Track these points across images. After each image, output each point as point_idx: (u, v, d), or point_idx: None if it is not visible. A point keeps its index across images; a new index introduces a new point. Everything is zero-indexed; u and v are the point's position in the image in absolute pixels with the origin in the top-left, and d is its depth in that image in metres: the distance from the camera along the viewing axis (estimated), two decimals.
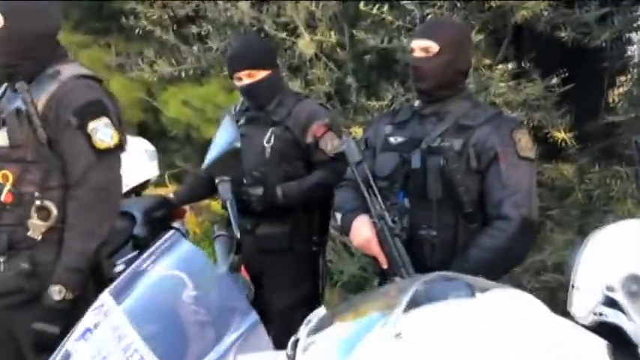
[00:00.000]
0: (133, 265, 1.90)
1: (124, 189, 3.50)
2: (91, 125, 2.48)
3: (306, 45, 4.25)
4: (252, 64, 3.09)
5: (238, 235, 1.98)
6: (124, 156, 2.66)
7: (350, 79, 4.33)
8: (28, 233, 2.46)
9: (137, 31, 4.93)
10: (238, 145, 2.02)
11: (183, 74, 4.84)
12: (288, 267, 3.08)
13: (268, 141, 3.03)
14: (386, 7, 3.93)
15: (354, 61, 4.38)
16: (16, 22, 2.51)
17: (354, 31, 4.12)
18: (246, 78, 3.08)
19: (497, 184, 2.34)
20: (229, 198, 2.06)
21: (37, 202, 2.48)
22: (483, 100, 3.77)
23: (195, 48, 4.70)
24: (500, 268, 2.34)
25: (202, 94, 4.99)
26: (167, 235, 1.93)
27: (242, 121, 3.15)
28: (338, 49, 4.32)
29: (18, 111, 2.46)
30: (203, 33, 4.68)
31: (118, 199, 2.62)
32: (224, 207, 2.39)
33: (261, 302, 2.77)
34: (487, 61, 3.93)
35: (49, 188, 2.51)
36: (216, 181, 2.05)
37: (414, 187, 2.41)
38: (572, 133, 3.76)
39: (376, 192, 2.39)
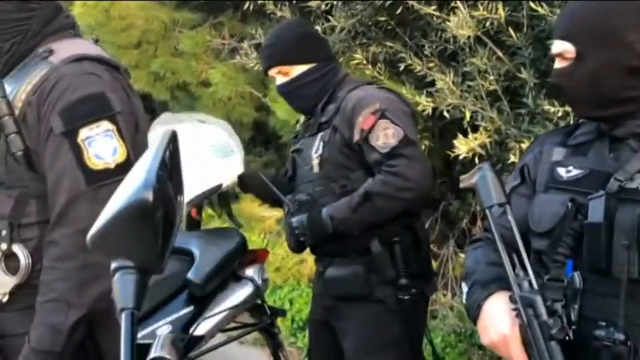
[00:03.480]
0: None
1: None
2: (84, 133, 1.95)
3: (461, 24, 3.33)
4: (283, 58, 2.71)
5: None
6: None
7: (525, 73, 3.36)
8: None
9: (247, 6, 4.28)
10: (149, 196, 1.05)
11: None
12: (367, 321, 2.60)
13: (316, 150, 2.63)
14: None
15: (533, 47, 3.40)
16: None
17: (532, 4, 3.16)
18: (280, 76, 2.73)
19: None
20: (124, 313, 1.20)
21: (4, 246, 1.94)
22: None
23: (317, 28, 3.83)
24: None
25: None
26: None
27: (303, 129, 2.83)
28: (510, 31, 3.35)
29: None
30: (325, 7, 3.88)
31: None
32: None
33: None
34: None
35: (22, 225, 1.97)
36: (113, 266, 1.15)
37: (590, 254, 1.69)
38: None
39: (525, 260, 1.72)
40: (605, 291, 1.68)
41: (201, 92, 5.16)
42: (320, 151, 2.61)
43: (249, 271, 2.93)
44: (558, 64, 1.82)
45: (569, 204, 1.75)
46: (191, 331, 2.73)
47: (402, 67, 3.71)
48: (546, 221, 1.79)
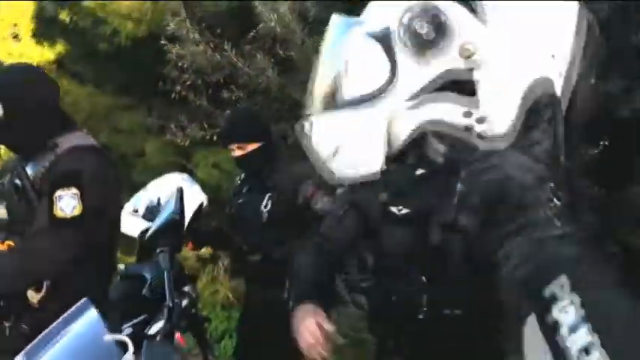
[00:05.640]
0: (47, 330, 2.02)
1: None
2: (58, 193, 2.54)
3: None
4: (241, 138, 3.38)
5: (171, 305, 2.12)
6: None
7: None
8: (28, 302, 2.63)
9: (173, 95, 5.28)
10: (177, 217, 2.17)
11: (215, 138, 5.11)
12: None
13: (265, 206, 3.29)
14: None
15: None
16: (14, 107, 2.57)
17: None
18: (237, 150, 3.37)
19: None
20: (167, 268, 2.22)
21: None
22: None
23: (227, 112, 4.88)
24: None
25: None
26: (78, 304, 2.06)
27: (245, 188, 3.47)
28: None
29: (16, 186, 2.62)
30: (234, 98, 4.96)
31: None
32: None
33: None
34: None
35: None
36: (157, 250, 2.23)
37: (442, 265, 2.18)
38: None
39: None
40: (447, 283, 2.14)
41: (136, 161, 6.02)
42: (269, 207, 3.29)
43: (186, 288, 3.98)
44: None
45: (413, 235, 2.16)
46: (145, 331, 3.80)
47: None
48: (401, 246, 2.19)
